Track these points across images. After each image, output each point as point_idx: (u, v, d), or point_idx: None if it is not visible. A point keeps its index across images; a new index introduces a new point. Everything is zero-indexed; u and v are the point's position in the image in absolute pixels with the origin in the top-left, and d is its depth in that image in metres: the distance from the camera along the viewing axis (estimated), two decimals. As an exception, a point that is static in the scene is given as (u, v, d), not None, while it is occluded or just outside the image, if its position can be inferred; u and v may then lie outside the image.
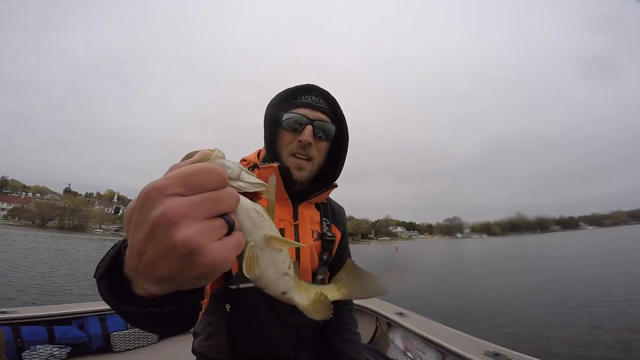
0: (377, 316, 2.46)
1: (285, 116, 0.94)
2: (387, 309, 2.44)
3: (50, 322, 2.17)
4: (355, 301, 2.60)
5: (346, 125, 1.02)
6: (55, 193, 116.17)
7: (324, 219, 1.08)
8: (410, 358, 2.04)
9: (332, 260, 1.07)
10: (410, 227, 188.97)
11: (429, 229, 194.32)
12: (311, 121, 0.93)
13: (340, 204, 1.24)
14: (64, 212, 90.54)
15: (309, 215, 1.04)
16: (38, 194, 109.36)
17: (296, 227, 0.98)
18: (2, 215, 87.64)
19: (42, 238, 36.78)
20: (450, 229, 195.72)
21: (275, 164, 0.93)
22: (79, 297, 8.16)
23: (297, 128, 0.93)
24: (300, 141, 0.92)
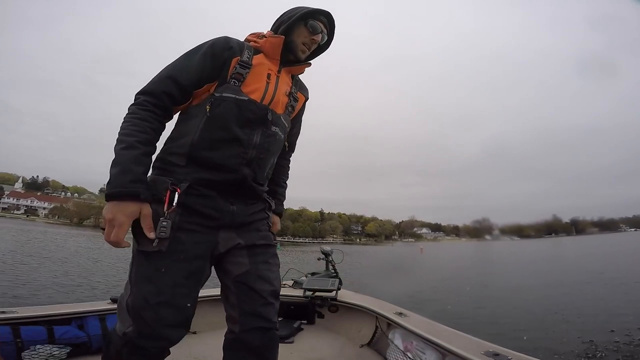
0: (376, 316, 2.41)
1: (311, 22, 1.31)
2: (387, 309, 2.39)
3: (50, 322, 2.17)
4: (354, 301, 2.65)
5: (333, 36, 1.40)
6: (91, 193, 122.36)
7: (293, 85, 1.40)
8: (410, 358, 2.00)
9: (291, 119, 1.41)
10: (436, 228, 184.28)
11: (455, 231, 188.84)
12: (322, 31, 1.34)
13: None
14: (99, 211, 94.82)
15: (286, 76, 1.36)
16: (76, 194, 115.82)
17: (278, 77, 1.29)
18: (43, 214, 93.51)
19: (59, 236, 37.62)
20: (479, 230, 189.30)
21: (282, 37, 1.27)
22: (78, 297, 8.27)
23: (314, 31, 1.31)
24: (313, 39, 1.32)
